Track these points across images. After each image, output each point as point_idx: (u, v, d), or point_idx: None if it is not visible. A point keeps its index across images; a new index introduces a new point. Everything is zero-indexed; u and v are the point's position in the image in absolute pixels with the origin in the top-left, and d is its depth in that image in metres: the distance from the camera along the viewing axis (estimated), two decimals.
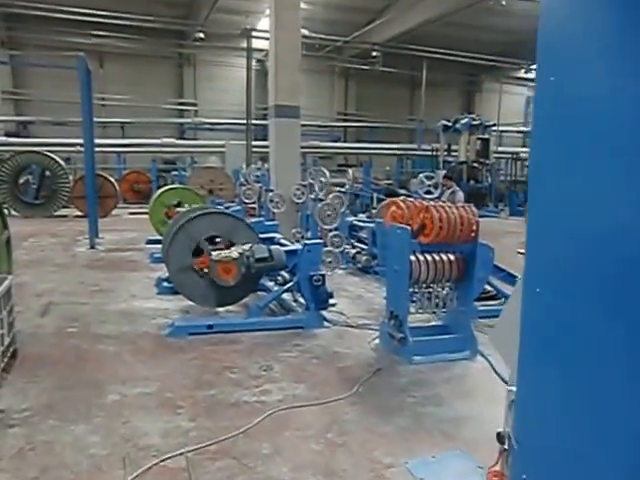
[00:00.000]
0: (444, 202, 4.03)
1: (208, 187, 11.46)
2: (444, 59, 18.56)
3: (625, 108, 1.12)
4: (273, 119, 8.42)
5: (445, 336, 3.85)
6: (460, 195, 7.15)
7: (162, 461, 2.31)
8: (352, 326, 4.41)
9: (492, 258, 4.66)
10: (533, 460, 1.43)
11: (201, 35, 17.42)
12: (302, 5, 8.79)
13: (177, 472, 2.25)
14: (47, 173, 11.98)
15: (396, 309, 3.72)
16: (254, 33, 15.19)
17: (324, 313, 4.47)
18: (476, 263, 3.71)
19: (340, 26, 17.87)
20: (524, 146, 19.35)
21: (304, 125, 8.90)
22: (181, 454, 2.37)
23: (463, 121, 14.21)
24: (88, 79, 7.98)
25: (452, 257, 3.73)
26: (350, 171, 8.30)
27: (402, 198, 4.27)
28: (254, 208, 8.66)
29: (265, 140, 16.20)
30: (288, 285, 4.48)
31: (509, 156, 19.01)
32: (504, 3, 14.82)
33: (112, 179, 12.79)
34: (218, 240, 4.44)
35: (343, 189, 9.73)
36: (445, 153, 15.31)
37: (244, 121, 14.97)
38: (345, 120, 21.92)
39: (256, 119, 16.44)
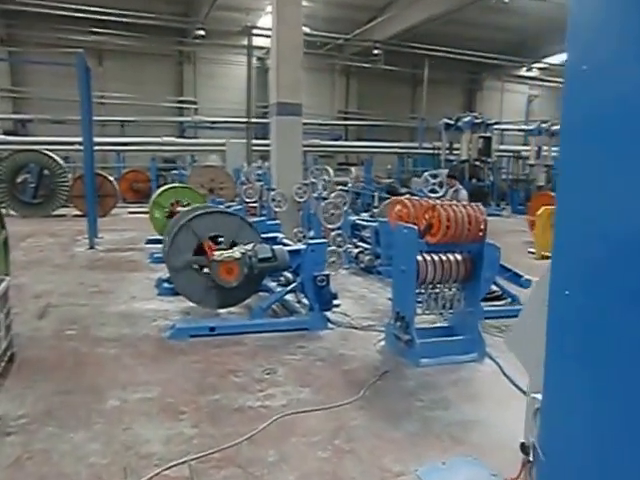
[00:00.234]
0: (450, 200, 3.95)
1: (208, 186, 11.36)
2: (446, 57, 18.46)
3: None
4: (275, 117, 8.33)
5: (452, 338, 3.78)
6: (464, 193, 7.05)
7: (164, 470, 2.23)
8: (357, 327, 4.33)
9: (499, 257, 4.59)
10: (561, 473, 1.35)
11: (201, 32, 17.31)
12: (303, 2, 8.71)
13: None
14: (45, 172, 11.88)
15: (402, 310, 3.65)
16: (255, 31, 15.11)
17: (328, 314, 4.39)
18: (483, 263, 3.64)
19: (341, 24, 17.77)
20: (525, 144, 19.27)
21: (305, 124, 8.81)
22: (184, 462, 2.30)
23: (465, 119, 14.13)
24: (87, 77, 7.89)
25: (459, 257, 3.65)
26: (353, 169, 8.21)
27: (407, 197, 4.20)
28: (255, 207, 8.58)
29: (265, 139, 16.13)
30: (292, 286, 4.40)
31: (510, 154, 18.94)
32: (507, 1, 14.73)
33: (111, 178, 12.70)
34: (221, 240, 4.36)
35: (346, 188, 9.64)
36: (447, 152, 15.23)
37: (244, 119, 14.90)
38: (346, 118, 21.83)
39: (256, 117, 16.36)
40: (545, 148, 14.99)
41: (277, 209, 7.67)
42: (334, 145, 19.37)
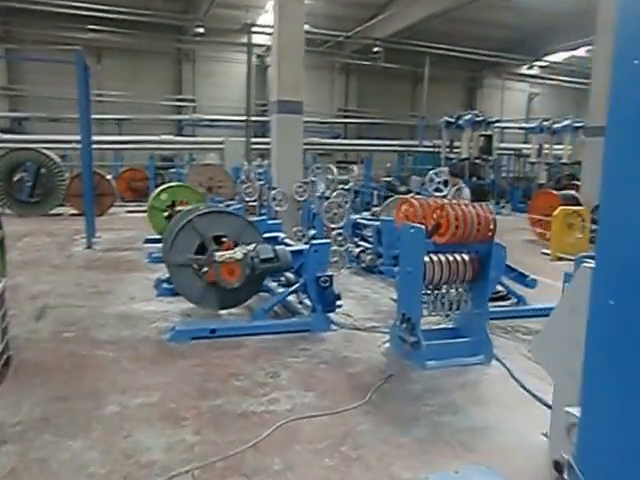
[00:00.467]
0: (457, 199, 3.88)
1: (207, 185, 11.24)
2: (446, 55, 18.37)
3: None
4: (275, 115, 8.25)
5: (458, 339, 3.71)
6: (466, 192, 6.96)
7: None
8: (360, 329, 4.26)
9: (505, 257, 4.51)
10: None
11: (200, 30, 17.18)
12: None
13: None
14: (42, 171, 11.75)
15: (408, 312, 3.57)
16: (254, 28, 14.99)
17: (331, 315, 4.31)
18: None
19: (342, 21, 17.66)
20: (526, 142, 19.20)
21: (304, 121, 8.73)
22: (187, 472, 2.22)
23: (466, 117, 14.02)
24: (86, 74, 7.78)
25: (467, 257, 3.58)
26: (355, 168, 8.13)
27: (411, 195, 4.12)
28: (254, 206, 8.49)
29: (263, 137, 16.06)
30: (294, 287, 4.32)
31: (511, 152, 18.88)
32: None
33: (109, 176, 12.57)
34: (224, 240, 4.28)
35: (347, 186, 9.55)
36: (447, 150, 15.15)
37: (243, 117, 14.79)
38: (346, 116, 21.73)
39: (255, 115, 16.24)
40: (546, 146, 14.92)
41: (278, 208, 7.58)
42: (333, 143, 19.26)
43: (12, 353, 3.33)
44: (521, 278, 5.02)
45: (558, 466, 1.45)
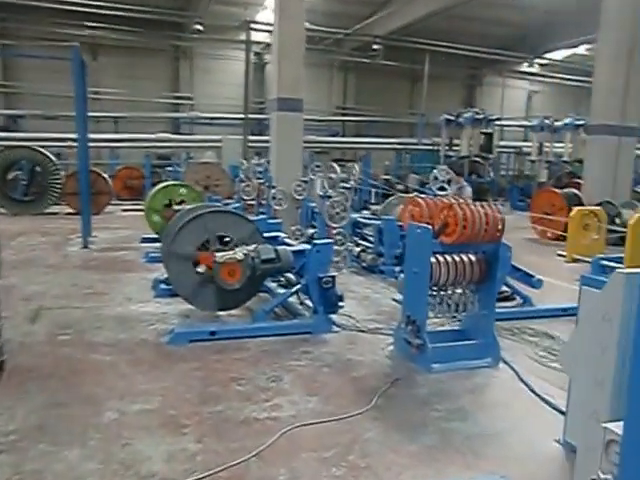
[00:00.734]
0: (458, 197, 3.79)
1: (204, 183, 11.11)
2: (446, 52, 18.27)
3: None
4: (275, 113, 8.15)
5: (465, 342, 3.62)
6: (468, 190, 6.90)
7: None
8: (363, 331, 4.17)
9: (510, 257, 4.43)
10: None
11: (199, 27, 17.02)
12: None
13: None
14: (37, 169, 11.59)
15: (414, 314, 3.48)
16: (253, 25, 14.84)
17: (332, 317, 4.22)
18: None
19: (341, 18, 17.54)
20: (526, 140, 19.14)
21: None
22: None
23: (466, 115, 13.95)
24: (82, 71, 7.64)
25: (474, 258, 3.49)
26: (356, 166, 8.03)
27: (415, 194, 4.03)
28: (253, 205, 8.37)
29: (261, 135, 15.92)
30: (296, 288, 4.23)
31: (511, 150, 18.82)
32: None
33: (105, 175, 12.42)
34: (227, 240, 4.19)
35: (347, 185, 9.44)
36: (446, 148, 15.07)
37: (240, 115, 14.65)
38: (344, 114, 21.61)
39: (252, 113, 16.10)
40: (547, 144, 14.85)
41: (278, 207, 7.47)
42: (332, 141, 19.14)
43: (6, 357, 3.21)
44: (526, 278, 4.95)
45: None
